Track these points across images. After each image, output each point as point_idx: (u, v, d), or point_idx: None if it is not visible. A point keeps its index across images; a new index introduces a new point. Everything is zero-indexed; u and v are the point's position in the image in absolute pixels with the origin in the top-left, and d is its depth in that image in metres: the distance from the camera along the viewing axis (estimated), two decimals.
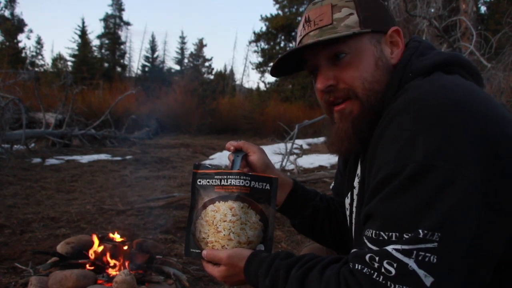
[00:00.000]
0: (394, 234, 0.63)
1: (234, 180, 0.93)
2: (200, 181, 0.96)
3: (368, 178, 0.77)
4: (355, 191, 0.94)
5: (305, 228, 1.16)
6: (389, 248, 0.63)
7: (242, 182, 0.92)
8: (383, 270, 0.62)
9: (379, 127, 0.75)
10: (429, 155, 0.63)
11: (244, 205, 0.92)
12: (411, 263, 0.60)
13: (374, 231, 0.66)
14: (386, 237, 0.64)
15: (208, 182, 0.95)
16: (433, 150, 0.63)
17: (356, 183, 0.95)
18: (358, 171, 0.93)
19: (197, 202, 0.96)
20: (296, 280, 0.75)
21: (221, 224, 0.91)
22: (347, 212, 1.01)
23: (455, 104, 0.66)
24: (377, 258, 0.64)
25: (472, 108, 0.66)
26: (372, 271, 0.64)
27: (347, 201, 1.01)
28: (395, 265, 0.61)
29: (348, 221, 1.00)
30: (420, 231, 0.61)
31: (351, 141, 0.84)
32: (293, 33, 28.55)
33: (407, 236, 0.62)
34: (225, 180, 0.93)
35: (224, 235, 0.90)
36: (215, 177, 0.94)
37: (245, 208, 0.92)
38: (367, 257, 0.65)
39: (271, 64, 0.92)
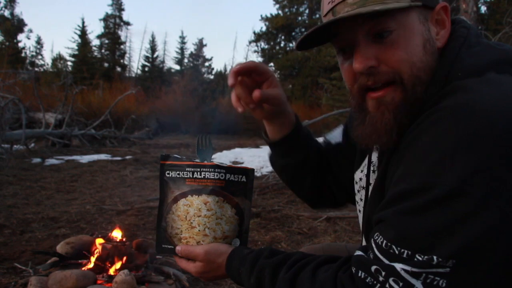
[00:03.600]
0: (406, 251, 0.59)
1: (208, 173, 0.88)
2: (168, 173, 0.91)
3: (391, 176, 0.71)
4: (364, 179, 0.90)
5: (283, 173, 1.09)
6: (398, 266, 0.59)
7: (217, 175, 0.87)
8: (387, 285, 0.60)
9: (418, 125, 0.66)
10: (463, 179, 0.56)
11: (219, 199, 0.88)
12: (418, 284, 0.58)
13: (386, 242, 0.62)
14: (397, 252, 0.60)
15: (179, 174, 0.90)
16: (469, 174, 0.56)
17: (365, 170, 0.90)
18: (374, 159, 0.88)
19: (166, 195, 0.92)
20: (285, 283, 0.72)
21: (195, 219, 0.87)
22: (358, 200, 0.96)
23: (507, 123, 0.57)
24: (383, 273, 0.61)
25: None
26: (375, 282, 0.61)
27: (358, 182, 0.95)
28: (401, 284, 0.59)
29: (358, 207, 0.97)
30: (435, 257, 0.57)
31: (392, 135, 0.72)
32: (293, 33, 28.56)
33: (419, 258, 0.58)
34: (198, 172, 0.88)
35: (199, 230, 0.87)
36: (187, 169, 0.89)
37: (220, 202, 0.88)
38: (373, 268, 0.62)
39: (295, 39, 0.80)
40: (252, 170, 0.93)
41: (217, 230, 0.88)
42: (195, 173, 0.89)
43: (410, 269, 0.58)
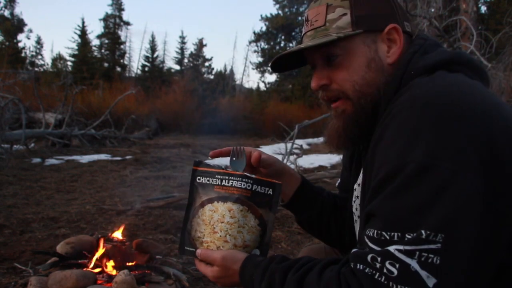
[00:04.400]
0: (396, 234, 0.63)
1: (236, 181, 0.90)
2: (199, 179, 0.94)
3: (369, 176, 0.76)
4: (359, 189, 0.94)
5: (312, 224, 1.14)
6: (391, 248, 0.62)
7: (244, 185, 0.90)
8: (385, 270, 0.62)
9: (381, 124, 0.75)
10: (430, 154, 0.62)
11: (244, 208, 0.90)
12: (414, 263, 0.60)
13: (375, 231, 0.65)
14: (388, 237, 0.63)
15: (208, 180, 0.93)
16: (434, 149, 0.62)
17: (359, 181, 0.94)
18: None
19: (194, 200, 0.94)
20: (293, 284, 0.74)
21: (218, 225, 0.89)
22: (353, 210, 1.01)
23: (459, 103, 0.65)
24: (379, 259, 0.63)
25: (476, 107, 0.65)
26: (374, 271, 0.63)
27: (353, 198, 1.00)
28: (397, 265, 0.61)
29: (354, 217, 1.01)
30: (423, 231, 0.60)
31: (341, 139, 0.88)
32: (293, 33, 28.57)
33: (409, 237, 0.61)
34: (227, 180, 0.91)
35: (220, 236, 0.89)
36: (216, 176, 0.92)
37: (244, 211, 0.90)
38: (369, 257, 0.65)
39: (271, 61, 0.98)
40: (280, 184, 0.93)
41: (238, 238, 0.90)
42: (224, 180, 0.91)
43: (403, 247, 0.61)
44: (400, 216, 0.63)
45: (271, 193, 0.92)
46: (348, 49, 0.83)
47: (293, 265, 0.79)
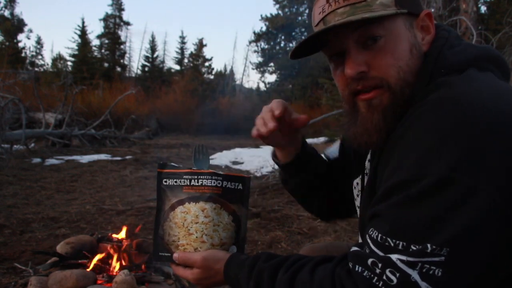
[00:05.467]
0: (401, 243, 0.61)
1: (206, 180, 0.89)
2: (166, 181, 0.92)
3: (381, 174, 0.73)
4: (365, 182, 0.91)
5: (299, 189, 1.10)
6: (394, 257, 0.61)
7: (214, 182, 0.89)
8: (384, 277, 0.61)
9: (404, 121, 0.70)
10: (451, 167, 0.59)
11: (217, 206, 0.89)
12: (414, 274, 0.59)
13: (380, 235, 0.63)
14: (392, 244, 0.62)
15: (176, 182, 0.91)
16: (456, 162, 0.58)
17: (366, 173, 0.91)
18: (367, 163, 0.90)
19: (163, 203, 0.92)
20: (284, 283, 0.73)
21: (192, 226, 0.88)
22: (355, 198, 0.98)
23: (489, 113, 0.60)
24: (380, 265, 0.62)
25: (507, 119, 0.60)
26: (372, 275, 0.62)
27: (356, 186, 0.98)
28: (397, 274, 0.60)
29: (357, 209, 0.98)
30: (429, 245, 0.58)
31: (381, 134, 0.75)
32: (293, 33, 28.57)
33: (414, 248, 0.59)
34: (196, 180, 0.89)
35: (196, 237, 0.88)
36: (184, 177, 0.90)
37: (217, 209, 0.89)
38: (369, 261, 0.63)
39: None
40: (249, 178, 0.94)
41: (214, 237, 0.89)
42: (193, 180, 0.90)
43: (406, 258, 0.60)
44: (409, 226, 0.61)
45: (241, 187, 0.92)
46: (392, 31, 0.73)
47: (282, 263, 0.77)
